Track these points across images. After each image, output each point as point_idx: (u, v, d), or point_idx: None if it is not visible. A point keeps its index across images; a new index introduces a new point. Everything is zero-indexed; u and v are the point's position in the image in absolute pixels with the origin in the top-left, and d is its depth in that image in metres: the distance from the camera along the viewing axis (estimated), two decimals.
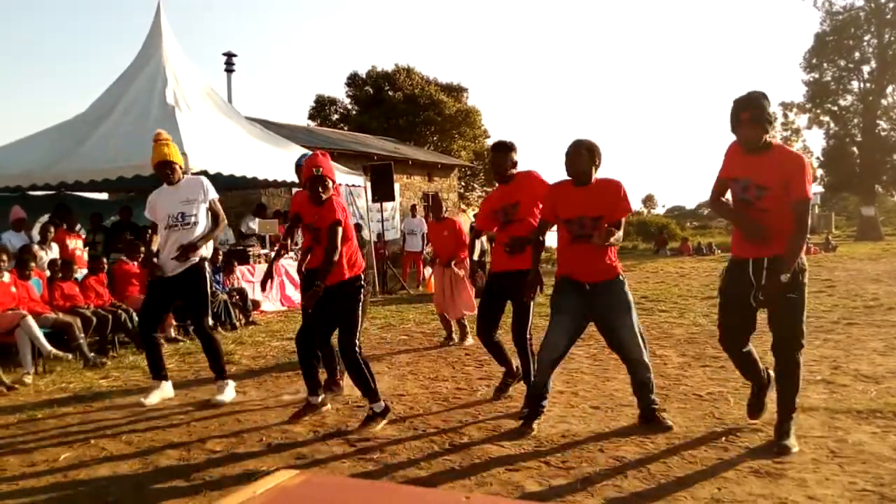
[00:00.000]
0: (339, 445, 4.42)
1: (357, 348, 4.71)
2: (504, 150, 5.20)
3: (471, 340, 8.08)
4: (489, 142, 39.75)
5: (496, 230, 5.38)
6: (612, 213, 4.37)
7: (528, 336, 5.14)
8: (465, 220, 12.53)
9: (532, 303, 4.99)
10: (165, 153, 5.62)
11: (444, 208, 8.76)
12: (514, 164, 5.22)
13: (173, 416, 5.28)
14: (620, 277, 4.48)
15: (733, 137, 4.01)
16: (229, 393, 5.69)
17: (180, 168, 5.76)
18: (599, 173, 4.51)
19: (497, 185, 5.38)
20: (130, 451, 4.47)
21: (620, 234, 4.40)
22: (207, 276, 5.75)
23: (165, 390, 5.80)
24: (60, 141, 10.45)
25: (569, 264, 4.52)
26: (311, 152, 5.24)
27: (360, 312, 4.87)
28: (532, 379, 4.88)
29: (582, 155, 4.39)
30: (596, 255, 4.38)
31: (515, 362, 5.43)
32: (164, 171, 5.63)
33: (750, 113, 3.83)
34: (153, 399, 5.63)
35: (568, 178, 4.51)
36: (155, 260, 5.62)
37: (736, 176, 4.04)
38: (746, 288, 4.03)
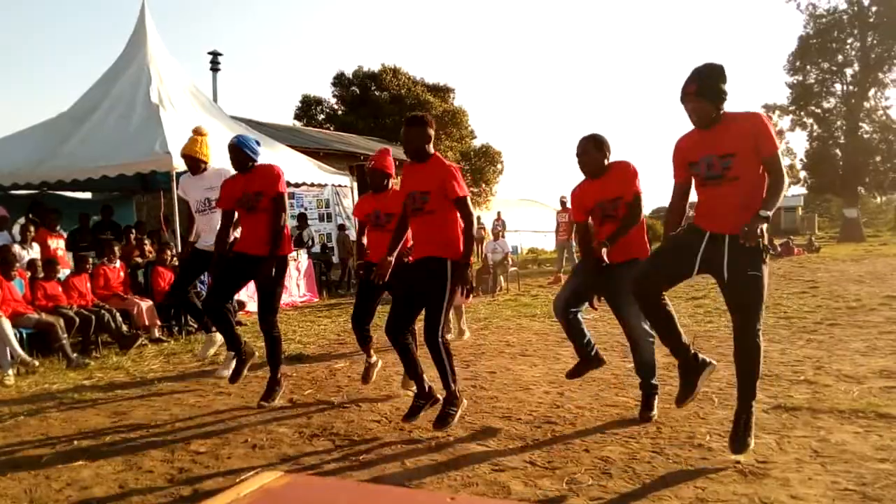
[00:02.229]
0: (324, 446, 4.41)
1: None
2: (419, 124, 4.62)
3: (468, 335, 8.14)
4: (476, 142, 39.78)
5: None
6: (626, 194, 4.56)
7: (440, 337, 4.42)
8: None
9: (445, 299, 4.42)
10: (190, 148, 6.25)
11: None
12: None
13: (157, 417, 5.24)
14: (640, 258, 4.54)
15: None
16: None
17: (204, 162, 6.31)
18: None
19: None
20: (114, 452, 4.43)
21: (639, 211, 4.57)
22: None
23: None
24: (43, 140, 10.37)
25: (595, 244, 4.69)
26: (244, 137, 5.62)
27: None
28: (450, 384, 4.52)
29: (590, 152, 4.61)
30: (626, 238, 4.52)
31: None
32: (188, 164, 6.34)
33: (696, 85, 3.65)
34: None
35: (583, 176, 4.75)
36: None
37: (694, 160, 3.80)
38: (695, 246, 3.78)
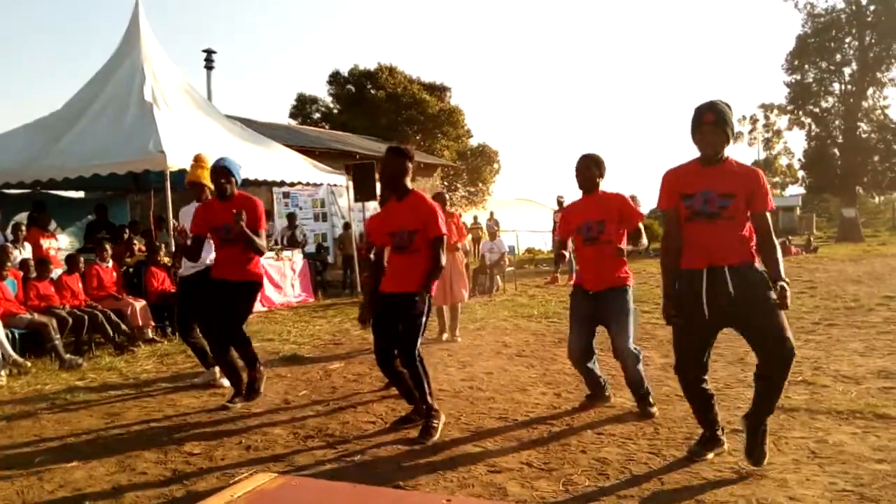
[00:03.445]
0: (318, 448, 4.38)
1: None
2: (399, 155, 4.64)
3: (460, 339, 8.09)
4: (472, 142, 39.81)
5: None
6: (624, 221, 4.82)
7: (416, 353, 4.51)
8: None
9: (422, 321, 4.50)
10: (199, 175, 6.01)
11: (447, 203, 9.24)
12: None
13: (151, 418, 5.21)
14: (625, 287, 4.82)
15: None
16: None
17: (209, 188, 5.96)
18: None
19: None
20: (107, 453, 4.39)
21: (644, 240, 4.95)
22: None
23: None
24: (36, 139, 10.32)
25: (583, 274, 5.00)
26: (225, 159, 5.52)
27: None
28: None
29: (590, 168, 4.84)
30: (604, 262, 4.78)
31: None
32: (193, 190, 6.07)
33: (714, 115, 3.61)
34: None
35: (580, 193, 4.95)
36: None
37: (691, 192, 3.71)
38: (698, 295, 3.67)
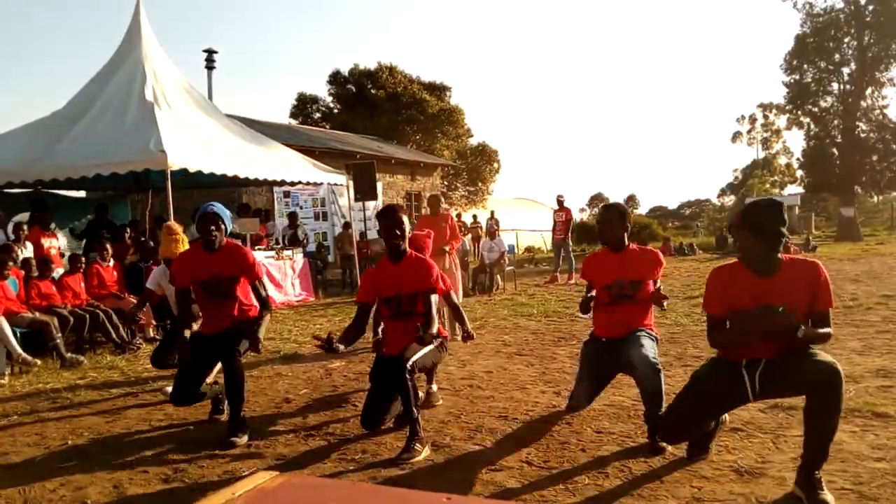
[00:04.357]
0: (319, 446, 4.39)
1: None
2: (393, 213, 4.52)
3: (459, 335, 8.08)
4: (472, 141, 39.79)
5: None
6: (650, 277, 4.47)
7: (410, 367, 4.25)
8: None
9: (432, 346, 4.50)
10: (171, 250, 5.69)
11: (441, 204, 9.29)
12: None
13: (152, 417, 5.22)
14: (645, 330, 4.45)
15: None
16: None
17: None
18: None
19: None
20: (108, 451, 4.41)
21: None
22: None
23: None
24: (37, 138, 10.32)
25: (604, 326, 4.56)
26: (214, 205, 4.84)
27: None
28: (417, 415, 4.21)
29: (613, 222, 4.51)
30: (631, 317, 4.45)
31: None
32: (167, 264, 5.71)
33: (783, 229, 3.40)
34: None
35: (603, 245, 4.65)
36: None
37: (745, 305, 3.40)
38: (729, 388, 3.49)
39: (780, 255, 3.48)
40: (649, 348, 4.25)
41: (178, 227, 5.86)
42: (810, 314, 3.43)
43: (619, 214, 4.54)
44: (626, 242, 4.54)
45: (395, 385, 4.29)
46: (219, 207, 4.80)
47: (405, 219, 4.53)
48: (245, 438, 4.50)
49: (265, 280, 4.98)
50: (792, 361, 3.31)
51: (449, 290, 4.43)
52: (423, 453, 4.08)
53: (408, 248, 4.59)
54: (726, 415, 4.02)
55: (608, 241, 4.57)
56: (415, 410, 4.18)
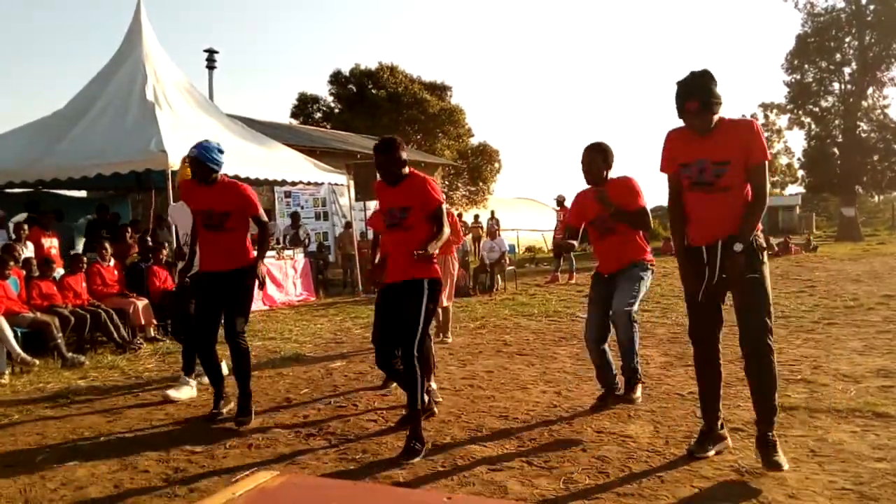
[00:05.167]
0: (320, 446, 4.39)
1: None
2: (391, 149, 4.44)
3: (451, 338, 8.08)
4: (473, 141, 39.74)
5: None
6: (627, 206, 4.69)
7: (414, 351, 4.22)
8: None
9: (422, 314, 4.28)
10: (188, 174, 5.68)
11: None
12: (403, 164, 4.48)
13: (153, 417, 5.22)
14: (638, 263, 4.77)
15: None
16: (186, 392, 5.79)
17: None
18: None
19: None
20: (109, 451, 4.41)
21: (644, 223, 4.80)
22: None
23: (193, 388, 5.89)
24: (38, 138, 10.34)
25: (600, 262, 4.94)
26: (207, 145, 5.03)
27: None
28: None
29: (596, 161, 4.77)
30: (620, 250, 4.77)
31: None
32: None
33: (698, 102, 3.53)
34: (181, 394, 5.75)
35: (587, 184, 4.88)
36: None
37: (687, 161, 3.72)
38: (702, 278, 3.75)
39: (716, 118, 3.62)
40: (628, 292, 4.63)
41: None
42: (747, 168, 3.60)
43: (601, 152, 4.80)
44: (606, 180, 4.79)
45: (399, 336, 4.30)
46: (202, 148, 4.97)
47: (404, 155, 4.44)
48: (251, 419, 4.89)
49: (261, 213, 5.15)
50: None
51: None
52: (421, 455, 4.07)
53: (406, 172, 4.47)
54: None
55: (591, 181, 4.81)
56: (419, 401, 4.19)
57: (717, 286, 3.74)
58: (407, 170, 4.45)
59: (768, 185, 3.69)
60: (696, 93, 3.55)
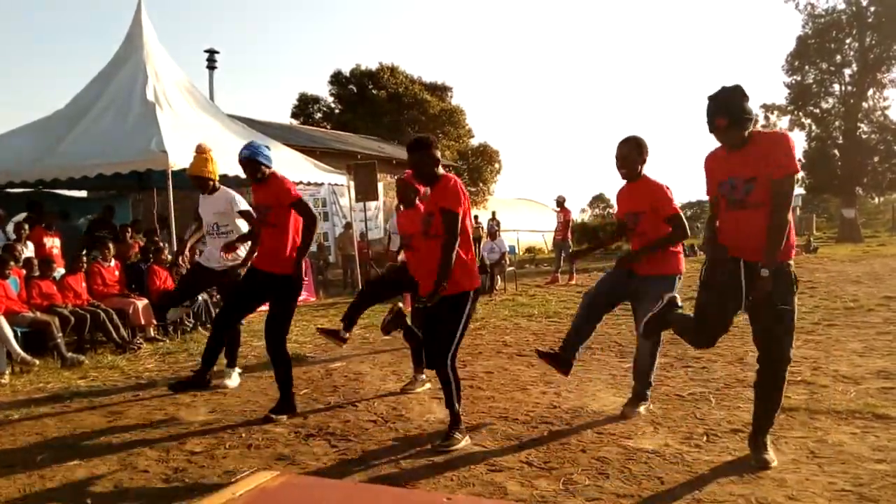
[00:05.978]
0: (319, 446, 4.39)
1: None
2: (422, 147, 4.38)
3: None
4: (474, 141, 39.76)
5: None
6: (656, 212, 4.56)
7: (448, 359, 4.25)
8: None
9: (461, 325, 4.30)
10: (198, 168, 5.91)
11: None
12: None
13: (152, 416, 5.22)
14: (671, 275, 4.62)
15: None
16: (235, 379, 6.14)
17: (212, 180, 5.99)
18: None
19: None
20: (109, 451, 4.41)
21: (679, 233, 4.60)
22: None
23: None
24: (39, 138, 10.35)
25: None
26: (255, 144, 5.34)
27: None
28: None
29: (630, 155, 4.61)
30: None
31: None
32: (196, 184, 5.98)
33: (727, 119, 3.50)
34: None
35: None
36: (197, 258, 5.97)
37: (722, 179, 3.69)
38: (736, 282, 3.63)
39: (745, 133, 3.57)
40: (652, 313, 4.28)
41: (207, 147, 6.02)
42: (769, 182, 3.51)
43: (637, 146, 4.63)
44: (640, 172, 4.66)
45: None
46: (250, 150, 5.17)
47: (437, 154, 4.39)
48: (284, 418, 4.97)
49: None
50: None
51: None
52: (463, 442, 4.24)
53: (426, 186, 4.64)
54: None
55: (624, 173, 4.67)
56: (456, 405, 4.29)
57: (747, 306, 3.66)
58: (441, 170, 4.40)
59: (790, 201, 3.54)
60: (725, 109, 3.51)
